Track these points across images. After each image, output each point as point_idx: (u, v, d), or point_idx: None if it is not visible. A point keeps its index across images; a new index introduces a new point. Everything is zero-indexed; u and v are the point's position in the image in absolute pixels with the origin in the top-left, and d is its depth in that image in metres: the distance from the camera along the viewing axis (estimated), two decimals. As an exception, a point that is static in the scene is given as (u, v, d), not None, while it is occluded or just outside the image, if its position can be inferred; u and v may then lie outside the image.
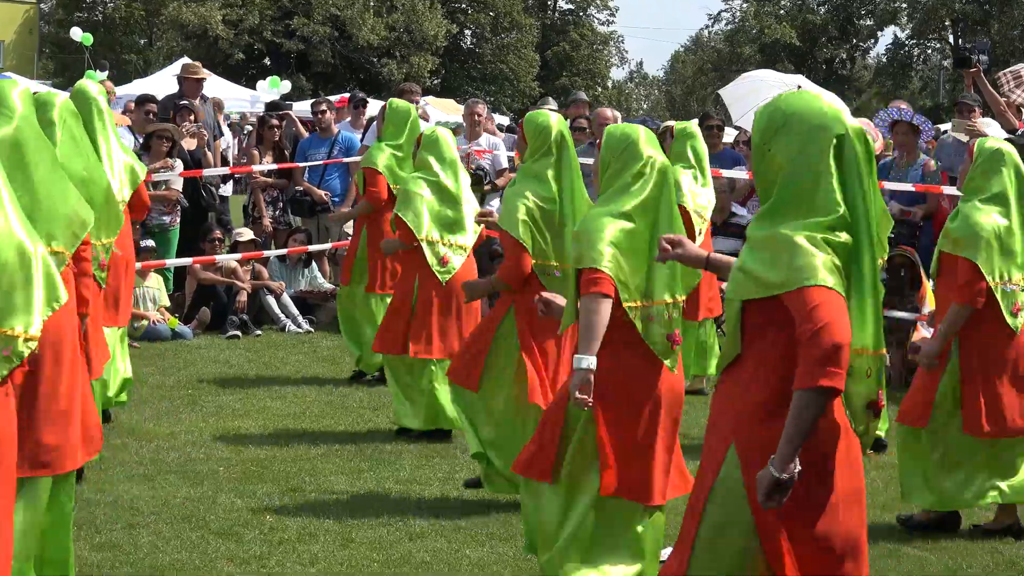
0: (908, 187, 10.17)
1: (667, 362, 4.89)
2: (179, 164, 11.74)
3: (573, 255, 4.94)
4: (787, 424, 3.43)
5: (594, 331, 4.67)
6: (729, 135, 13.38)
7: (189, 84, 13.05)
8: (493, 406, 6.34)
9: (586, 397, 4.67)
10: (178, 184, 11.86)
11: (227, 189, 13.65)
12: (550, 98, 14.17)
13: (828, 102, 3.67)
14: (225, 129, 14.10)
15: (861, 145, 3.61)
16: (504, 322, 6.24)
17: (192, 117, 12.38)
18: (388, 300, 8.55)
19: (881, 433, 7.64)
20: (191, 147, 12.25)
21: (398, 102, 9.31)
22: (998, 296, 6.10)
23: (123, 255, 7.29)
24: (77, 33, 25.60)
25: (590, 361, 4.65)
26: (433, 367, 7.76)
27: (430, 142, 7.86)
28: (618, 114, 11.85)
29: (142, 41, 53.46)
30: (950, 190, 9.74)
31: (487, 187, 12.14)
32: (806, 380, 3.40)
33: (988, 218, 6.10)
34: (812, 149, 3.59)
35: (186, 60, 20.33)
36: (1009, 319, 6.14)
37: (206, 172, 12.17)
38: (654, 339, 4.85)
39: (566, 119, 14.42)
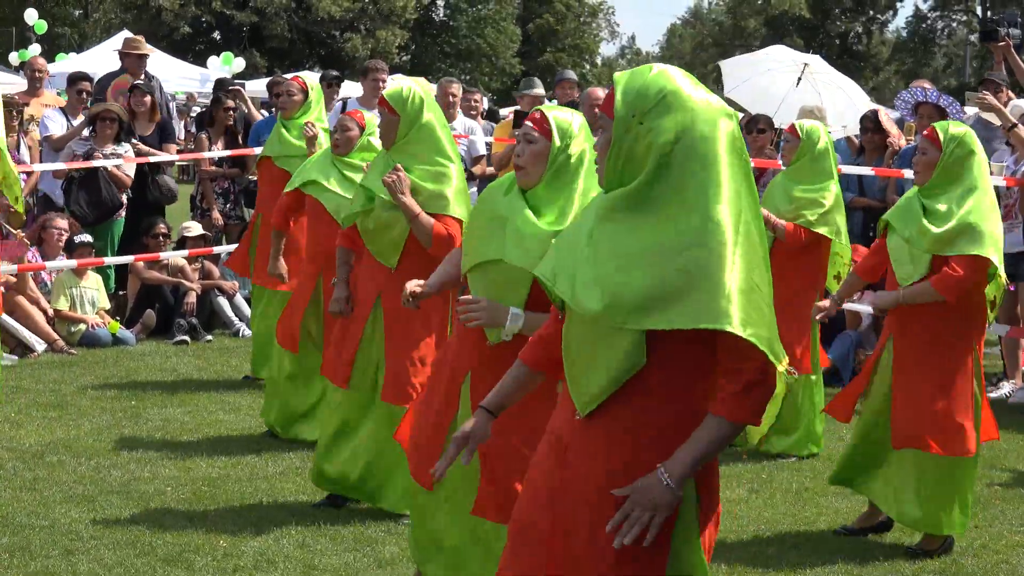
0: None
1: None
2: (128, 148, 11.76)
3: None
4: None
5: None
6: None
7: (131, 61, 13.08)
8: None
9: None
10: (129, 169, 11.87)
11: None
12: (535, 79, 14.18)
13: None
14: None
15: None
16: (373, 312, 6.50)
17: (147, 99, 12.39)
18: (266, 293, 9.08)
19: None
20: (147, 132, 12.28)
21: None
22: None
23: None
24: (32, 16, 25.26)
25: None
26: None
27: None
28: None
29: (77, 12, 53.27)
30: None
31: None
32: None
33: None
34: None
35: (127, 34, 20.28)
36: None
37: (151, 158, 12.15)
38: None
39: (552, 100, 14.47)
